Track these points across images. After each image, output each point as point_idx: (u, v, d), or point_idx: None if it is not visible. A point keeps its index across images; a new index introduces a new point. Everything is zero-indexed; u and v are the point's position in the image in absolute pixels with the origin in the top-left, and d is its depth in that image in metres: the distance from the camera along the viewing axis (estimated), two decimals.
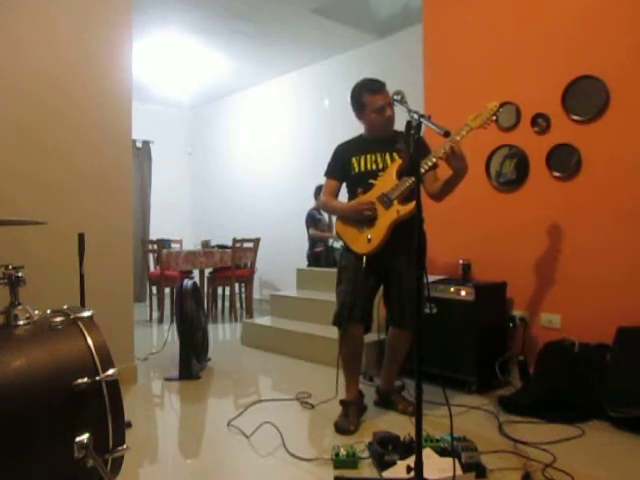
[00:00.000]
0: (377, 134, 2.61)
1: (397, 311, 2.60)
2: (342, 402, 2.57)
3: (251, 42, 5.36)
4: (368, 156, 2.59)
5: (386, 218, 2.46)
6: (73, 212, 2.99)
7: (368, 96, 2.53)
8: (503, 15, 3.25)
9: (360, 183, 2.58)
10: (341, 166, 2.66)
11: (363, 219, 2.50)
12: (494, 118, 2.38)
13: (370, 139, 2.64)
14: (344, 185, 2.71)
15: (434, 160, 2.38)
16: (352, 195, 2.64)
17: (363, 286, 2.53)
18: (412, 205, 2.44)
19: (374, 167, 2.57)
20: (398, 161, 2.53)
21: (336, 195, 2.69)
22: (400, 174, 2.50)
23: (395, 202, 2.45)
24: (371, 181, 2.55)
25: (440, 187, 2.50)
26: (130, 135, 3.31)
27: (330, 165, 2.73)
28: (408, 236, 2.56)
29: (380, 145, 2.59)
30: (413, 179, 2.45)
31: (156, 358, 3.86)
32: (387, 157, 2.57)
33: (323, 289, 4.45)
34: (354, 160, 2.61)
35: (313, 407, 2.75)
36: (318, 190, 5.52)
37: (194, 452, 2.27)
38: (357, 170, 2.60)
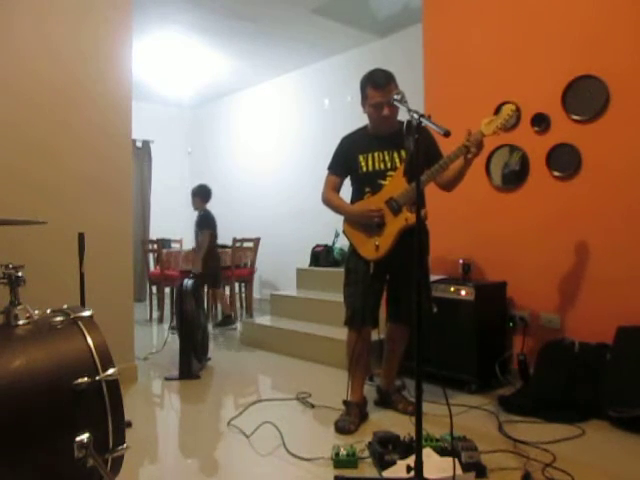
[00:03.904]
0: (376, 130, 2.58)
1: (405, 308, 2.59)
2: (345, 402, 2.58)
3: (251, 42, 5.35)
4: (376, 154, 2.56)
5: (394, 226, 2.45)
6: (73, 212, 2.99)
7: (369, 89, 2.49)
8: (503, 15, 3.25)
9: (368, 183, 2.56)
10: (345, 162, 2.63)
11: (371, 224, 2.50)
12: (509, 123, 2.36)
13: (375, 134, 2.59)
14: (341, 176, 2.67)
15: (444, 162, 2.37)
16: (359, 194, 2.61)
17: (372, 289, 2.55)
18: (420, 213, 2.45)
19: (382, 167, 2.54)
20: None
21: (338, 190, 2.67)
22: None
23: (404, 209, 2.45)
24: (380, 181, 2.53)
25: (451, 178, 2.49)
26: (130, 135, 3.31)
27: (334, 160, 2.69)
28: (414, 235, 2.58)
29: (387, 142, 2.55)
30: (422, 183, 2.44)
31: (156, 358, 3.86)
32: (395, 155, 2.54)
33: (323, 289, 4.45)
34: (361, 158, 2.57)
35: (313, 407, 2.75)
36: (199, 191, 5.24)
37: (194, 452, 2.27)
38: (365, 170, 2.57)
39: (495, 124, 2.31)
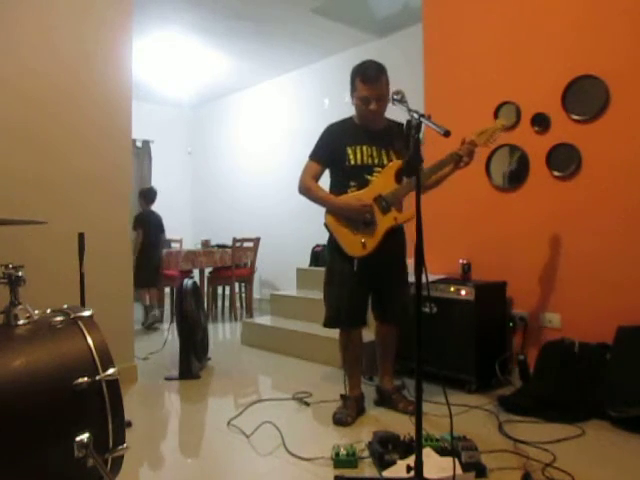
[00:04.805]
0: (362, 122, 2.54)
1: (390, 307, 2.60)
2: (342, 396, 2.61)
3: (251, 42, 5.36)
4: (364, 148, 2.51)
5: (382, 224, 2.43)
6: (73, 212, 2.99)
7: (358, 82, 2.45)
8: (503, 15, 3.24)
9: (354, 177, 2.51)
10: (331, 152, 2.56)
11: (358, 220, 2.46)
12: (496, 137, 2.39)
13: (363, 127, 2.54)
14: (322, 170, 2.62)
15: (435, 167, 2.40)
16: (342, 187, 2.53)
17: (359, 290, 2.53)
18: (409, 214, 2.46)
19: (370, 161, 2.51)
20: (398, 162, 2.49)
21: (317, 180, 2.59)
22: (398, 177, 2.48)
23: (393, 208, 2.43)
24: (367, 176, 2.49)
25: (432, 183, 2.51)
26: (130, 135, 3.31)
27: (319, 147, 2.60)
28: (398, 235, 2.59)
29: (376, 137, 2.52)
30: (412, 184, 2.45)
31: (156, 357, 3.86)
32: (383, 153, 2.52)
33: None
34: (349, 150, 2.51)
35: (313, 406, 2.75)
36: (141, 193, 5.48)
37: (194, 452, 2.27)
38: (353, 162, 2.51)
39: (486, 136, 2.35)
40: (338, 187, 2.56)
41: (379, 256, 2.46)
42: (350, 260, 2.48)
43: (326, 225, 2.56)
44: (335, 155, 2.54)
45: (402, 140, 2.50)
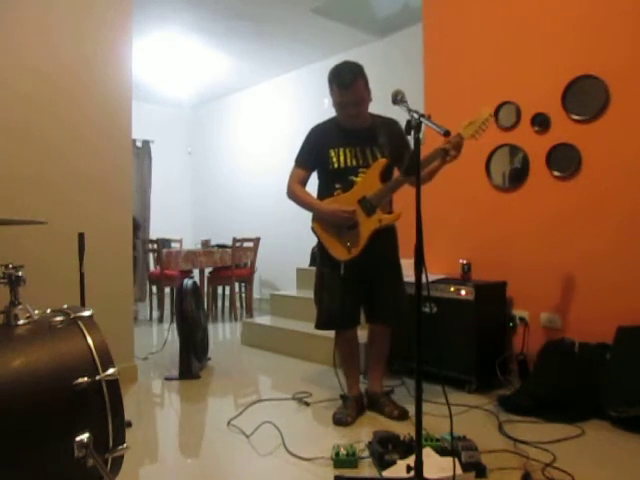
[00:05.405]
0: (345, 123, 2.52)
1: (380, 308, 2.58)
2: (342, 396, 2.61)
3: (251, 42, 5.36)
4: (347, 150, 2.49)
5: (367, 227, 2.41)
6: (73, 212, 2.99)
7: (335, 88, 2.42)
8: (503, 15, 3.25)
9: (339, 179, 2.49)
10: (315, 155, 2.55)
11: (343, 224, 2.44)
12: (484, 127, 2.28)
13: (346, 128, 2.52)
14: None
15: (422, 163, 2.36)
16: (328, 190, 2.52)
17: (349, 292, 2.51)
18: (395, 215, 2.45)
19: (354, 163, 2.48)
20: (382, 162, 2.45)
21: (304, 185, 2.59)
22: (383, 176, 2.46)
23: (378, 210, 2.41)
24: (351, 178, 2.47)
25: (422, 178, 2.47)
26: (130, 135, 3.31)
27: (303, 152, 2.60)
28: (388, 235, 2.58)
29: (359, 137, 2.49)
30: (397, 184, 2.42)
31: (156, 357, 3.86)
32: (368, 152, 2.49)
33: None
34: (332, 153, 2.50)
35: (313, 406, 2.75)
36: None
37: (194, 452, 2.27)
38: (337, 165, 2.49)
39: (473, 128, 2.27)
40: (324, 190, 2.56)
41: (368, 257, 2.44)
42: (338, 263, 2.47)
43: (313, 229, 2.57)
44: (319, 158, 2.54)
45: (386, 136, 2.49)
